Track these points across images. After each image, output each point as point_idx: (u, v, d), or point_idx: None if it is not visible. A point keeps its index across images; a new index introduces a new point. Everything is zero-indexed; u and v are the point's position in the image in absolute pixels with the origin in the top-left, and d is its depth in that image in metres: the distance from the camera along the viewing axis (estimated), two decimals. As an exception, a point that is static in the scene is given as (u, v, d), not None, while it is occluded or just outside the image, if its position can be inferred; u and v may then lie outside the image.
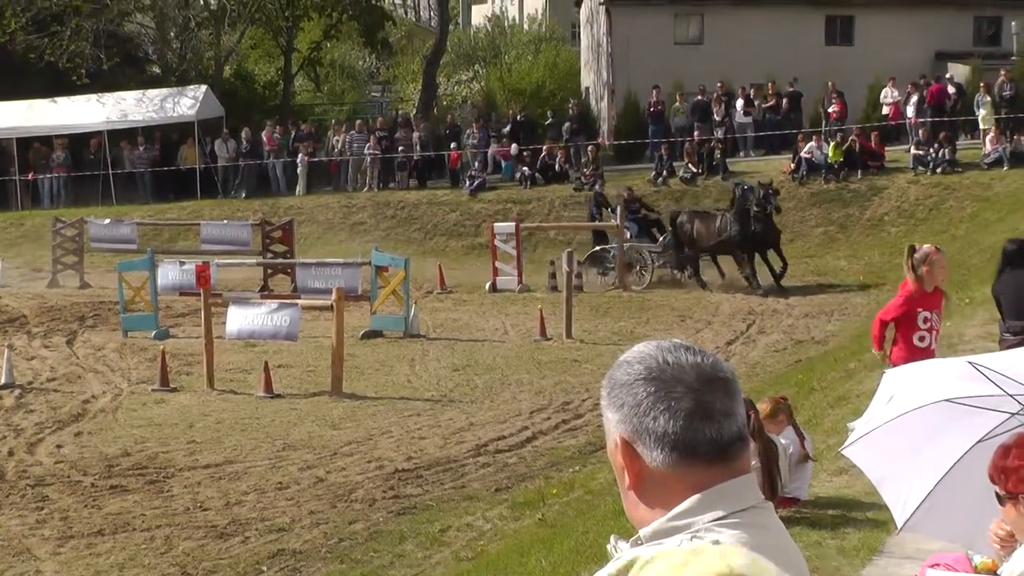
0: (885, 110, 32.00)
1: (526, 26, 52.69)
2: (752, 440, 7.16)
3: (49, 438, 14.15)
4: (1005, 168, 27.97)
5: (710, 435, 1.88)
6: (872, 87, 32.62)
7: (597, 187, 27.57)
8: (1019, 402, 4.55)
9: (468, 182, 31.45)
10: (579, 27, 45.37)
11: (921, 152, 28.97)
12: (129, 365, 18.45)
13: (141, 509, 11.42)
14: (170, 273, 21.39)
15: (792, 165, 29.33)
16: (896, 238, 26.31)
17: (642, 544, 1.89)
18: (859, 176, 28.96)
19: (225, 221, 28.46)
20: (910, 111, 30.87)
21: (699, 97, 32.36)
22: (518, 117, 34.10)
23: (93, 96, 34.92)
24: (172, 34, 40.17)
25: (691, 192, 29.31)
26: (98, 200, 33.11)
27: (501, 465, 12.66)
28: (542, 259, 25.98)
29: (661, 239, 24.92)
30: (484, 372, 17.34)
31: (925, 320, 8.71)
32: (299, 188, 33.07)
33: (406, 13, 62.40)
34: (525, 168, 31.47)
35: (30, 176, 34.53)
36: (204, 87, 35.57)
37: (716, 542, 1.49)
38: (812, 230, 27.74)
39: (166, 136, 35.16)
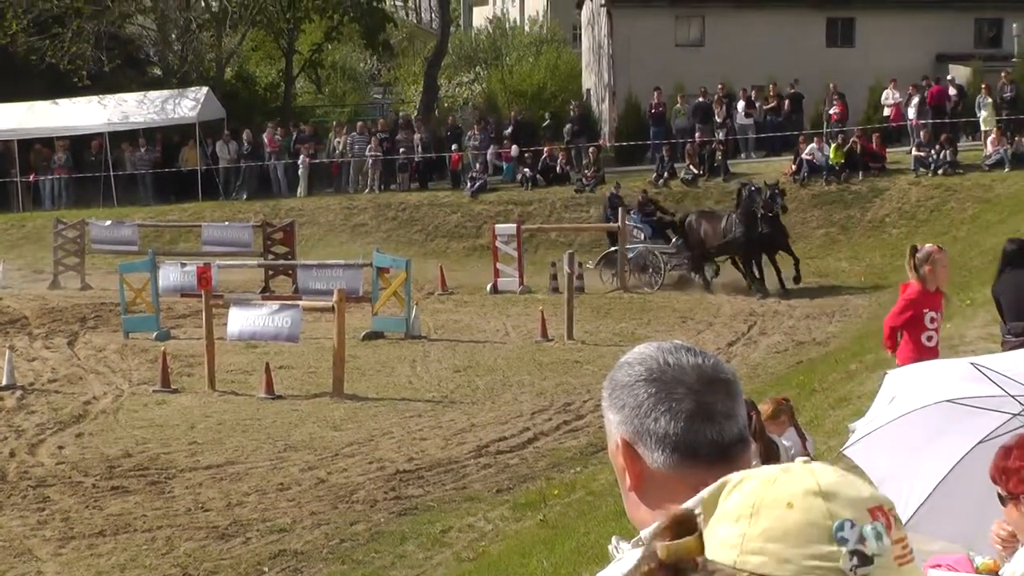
0: (886, 112, 32.01)
1: (527, 28, 52.69)
2: (754, 441, 7.17)
3: (50, 439, 14.16)
4: (1006, 170, 27.97)
5: (711, 436, 1.88)
6: (873, 89, 32.62)
7: (613, 189, 27.45)
8: (1020, 403, 4.55)
9: (469, 184, 31.47)
10: (580, 29, 45.38)
11: (922, 154, 28.98)
12: (130, 366, 18.46)
13: (142, 510, 11.42)
14: (171, 274, 21.40)
15: (793, 167, 29.34)
16: (897, 239, 26.31)
17: (643, 545, 1.90)
18: (860, 178, 28.96)
19: (226, 223, 28.49)
20: (911, 112, 30.87)
21: (700, 99, 32.37)
22: (517, 119, 34.10)
23: (94, 98, 34.94)
24: (173, 36, 40.19)
25: (692, 193, 29.32)
26: (99, 202, 33.13)
27: (502, 466, 12.66)
28: (543, 260, 25.99)
29: (674, 240, 24.86)
30: (485, 373, 17.34)
31: (932, 320, 8.72)
32: (300, 190, 33.08)
33: (407, 15, 62.42)
34: (526, 170, 31.48)
35: (31, 177, 34.54)
36: (205, 89, 35.59)
37: (807, 460, 1.53)
38: (813, 231, 27.74)
39: (167, 138, 35.18)
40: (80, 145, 34.83)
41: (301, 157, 33.14)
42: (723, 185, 29.38)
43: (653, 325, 20.62)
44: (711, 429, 1.88)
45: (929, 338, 8.68)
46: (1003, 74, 30.89)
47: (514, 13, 57.11)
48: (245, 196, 33.09)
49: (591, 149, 31.89)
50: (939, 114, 30.76)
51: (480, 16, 59.68)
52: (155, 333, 20.46)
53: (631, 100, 34.38)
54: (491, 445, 13.41)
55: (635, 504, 1.94)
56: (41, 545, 10.57)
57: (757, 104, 32.65)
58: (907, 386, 4.93)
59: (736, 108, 32.49)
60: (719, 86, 32.33)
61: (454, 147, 32.96)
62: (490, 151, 32.86)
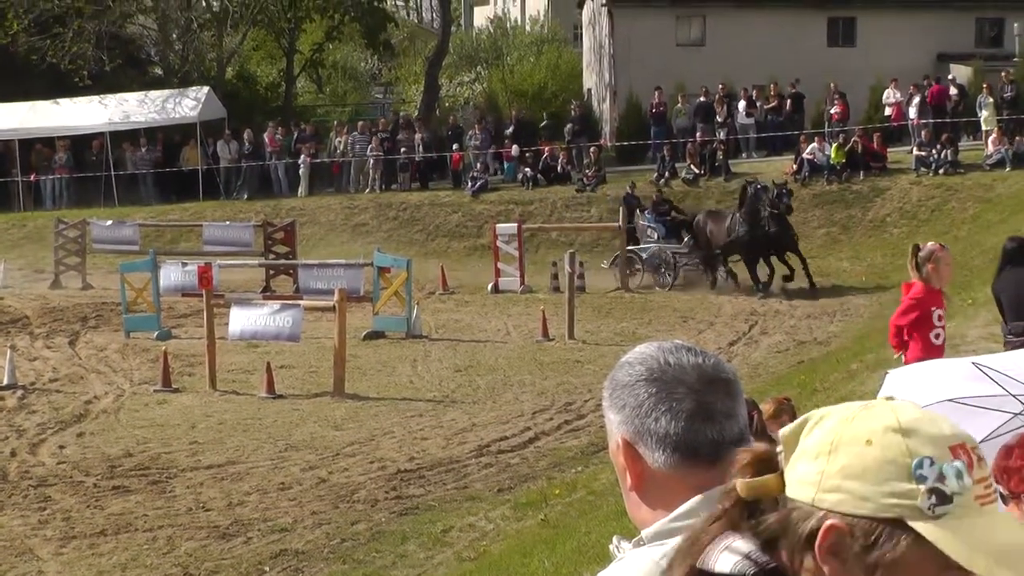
0: (887, 111, 32.00)
1: (528, 27, 52.69)
2: (755, 440, 7.16)
3: (51, 439, 14.16)
4: (1007, 169, 27.96)
5: (711, 436, 1.88)
6: (874, 88, 32.62)
7: (629, 189, 27.39)
8: (1021, 402, 4.55)
9: (470, 183, 31.47)
10: (581, 28, 45.38)
11: (923, 153, 28.98)
12: (131, 366, 18.46)
13: (143, 509, 11.42)
14: (172, 274, 21.41)
15: (794, 166, 29.34)
16: (898, 239, 26.31)
17: (644, 545, 1.90)
18: (861, 177, 28.96)
19: (227, 222, 28.51)
20: (912, 112, 30.87)
21: (702, 98, 32.36)
22: (517, 118, 34.10)
23: (95, 97, 34.95)
24: (174, 36, 40.20)
25: (693, 193, 29.31)
26: (100, 201, 33.14)
27: (503, 466, 12.66)
28: (544, 260, 26.00)
29: (686, 240, 24.80)
30: (486, 373, 17.34)
31: (939, 318, 8.72)
32: (301, 189, 33.09)
33: (408, 15, 62.42)
34: (527, 169, 31.48)
35: (32, 177, 34.56)
36: (206, 88, 35.60)
37: (889, 397, 1.52)
38: (814, 231, 27.72)
39: (168, 137, 35.21)
40: (81, 145, 34.85)
41: (302, 157, 33.14)
42: (724, 185, 29.38)
43: (654, 325, 20.61)
44: (712, 429, 1.88)
45: (937, 336, 8.69)
46: (1004, 74, 30.88)
47: (515, 13, 57.12)
48: (246, 196, 33.10)
49: (592, 149, 31.89)
50: (940, 114, 30.76)
51: (481, 16, 59.69)
52: (156, 333, 20.47)
53: (632, 100, 34.38)
54: (492, 445, 13.41)
55: (636, 504, 1.94)
56: (42, 544, 10.57)
57: (758, 104, 32.65)
58: (908, 386, 4.93)
59: (737, 108, 32.48)
60: (720, 86, 32.32)
61: (455, 147, 32.96)
62: (489, 151, 32.87)
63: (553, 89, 41.54)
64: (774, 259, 23.48)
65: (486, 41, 50.14)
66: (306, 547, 10.34)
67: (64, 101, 34.82)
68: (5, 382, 16.75)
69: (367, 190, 32.71)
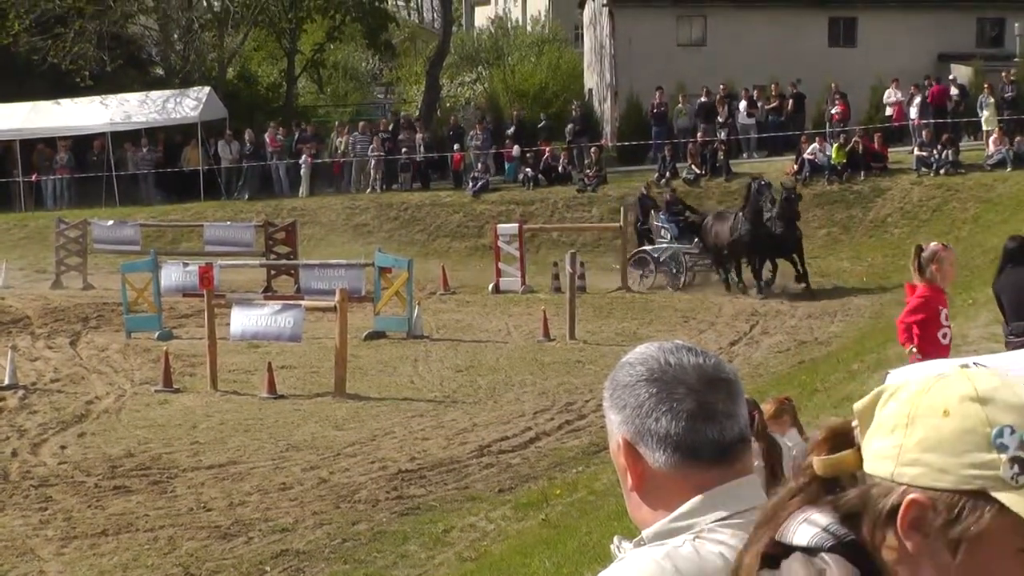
0: (888, 111, 32.00)
1: (529, 28, 52.70)
2: (756, 441, 7.16)
3: (53, 439, 14.17)
4: (1008, 169, 27.94)
5: (712, 436, 1.88)
6: (875, 88, 32.62)
7: (643, 189, 27.33)
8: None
9: (471, 183, 31.47)
10: (582, 29, 45.40)
11: (924, 153, 28.97)
12: (132, 366, 18.47)
13: (144, 510, 11.43)
14: (173, 274, 21.42)
15: (795, 166, 29.32)
16: (899, 239, 26.30)
17: (645, 545, 1.90)
18: (862, 177, 28.95)
19: (228, 222, 28.52)
20: (913, 112, 30.86)
21: (703, 99, 32.36)
22: (519, 118, 34.10)
23: (96, 98, 34.97)
24: (175, 36, 40.20)
25: (694, 193, 29.29)
26: (101, 202, 33.15)
27: (504, 466, 12.66)
28: (545, 260, 26.00)
29: (696, 240, 24.72)
30: (487, 373, 17.34)
31: (945, 317, 8.73)
32: (302, 190, 33.09)
33: (409, 15, 62.41)
34: (528, 169, 31.49)
35: (34, 177, 34.57)
36: (207, 89, 35.61)
37: (964, 366, 1.49)
38: (815, 231, 27.68)
39: (169, 138, 35.22)
40: (82, 145, 34.85)
41: (303, 157, 33.15)
42: (725, 185, 29.37)
43: (655, 325, 20.61)
44: (712, 429, 1.89)
45: (944, 335, 8.69)
46: (1004, 74, 30.87)
47: (516, 13, 57.13)
48: (247, 196, 33.11)
49: (593, 149, 31.89)
50: (941, 114, 30.75)
51: (482, 16, 59.72)
52: (157, 333, 20.47)
53: (633, 100, 34.38)
54: (493, 445, 13.41)
55: (637, 504, 1.94)
56: (43, 545, 10.58)
57: (759, 104, 32.64)
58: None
59: (738, 108, 32.48)
60: (721, 86, 32.32)
61: (456, 147, 32.97)
62: (490, 151, 32.88)
63: (554, 89, 41.54)
64: (778, 260, 23.39)
65: (487, 41, 50.15)
66: (307, 547, 10.34)
67: (65, 101, 34.84)
68: (6, 382, 16.75)
69: (368, 190, 32.72)
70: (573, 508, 10.70)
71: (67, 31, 35.02)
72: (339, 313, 16.59)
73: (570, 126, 33.37)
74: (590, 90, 41.09)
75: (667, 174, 30.02)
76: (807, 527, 1.45)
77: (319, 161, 33.74)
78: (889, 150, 29.82)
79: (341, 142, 33.94)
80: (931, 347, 8.55)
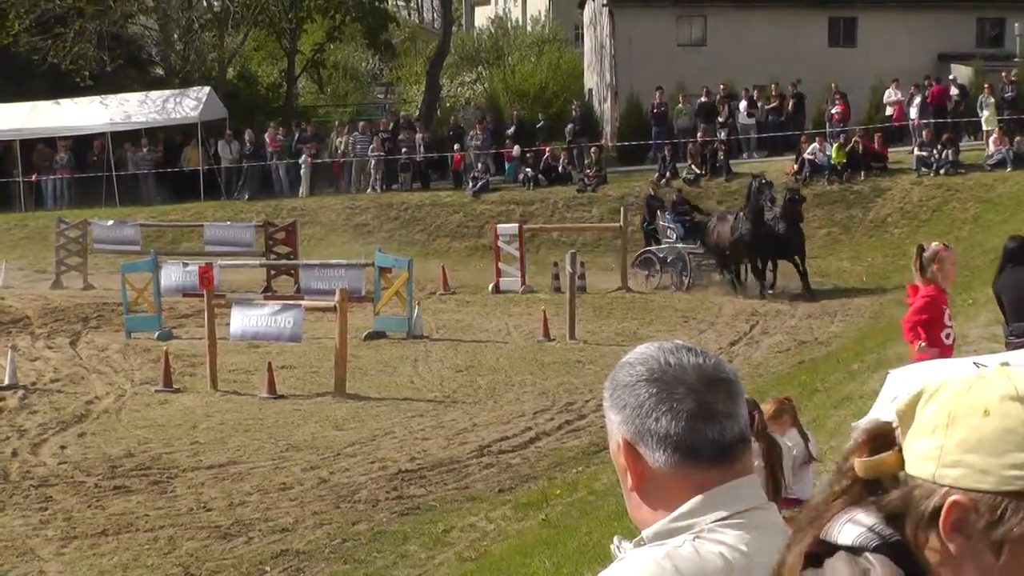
0: (888, 111, 32.00)
1: (529, 28, 52.69)
2: (756, 441, 7.16)
3: (53, 439, 14.17)
4: (1008, 169, 27.94)
5: (712, 436, 1.88)
6: (875, 88, 32.62)
7: (651, 190, 27.25)
8: (1022, 403, 4.54)
9: (471, 184, 31.47)
10: (582, 29, 45.40)
11: (924, 153, 28.97)
12: (132, 366, 18.47)
13: (144, 510, 11.43)
14: (173, 274, 21.42)
15: (795, 166, 29.32)
16: (899, 239, 26.31)
17: (645, 545, 1.90)
18: (862, 177, 28.95)
19: (228, 222, 28.52)
20: (913, 112, 30.86)
21: (704, 99, 32.35)
22: (519, 118, 34.09)
23: (96, 98, 34.98)
24: (175, 36, 40.20)
25: (694, 193, 29.29)
26: (101, 202, 33.15)
27: (504, 466, 12.65)
28: (545, 260, 26.00)
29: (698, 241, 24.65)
30: (487, 373, 17.34)
31: (949, 317, 8.73)
32: (302, 190, 33.10)
33: (409, 15, 62.40)
34: (528, 169, 31.49)
35: (34, 177, 34.57)
36: (207, 89, 35.61)
37: (1005, 363, 1.48)
38: (815, 231, 27.68)
39: (169, 138, 35.23)
40: (82, 145, 34.85)
41: (303, 157, 33.15)
42: (725, 185, 29.37)
43: (655, 325, 20.61)
44: (712, 429, 1.88)
45: (948, 336, 8.70)
46: (1004, 74, 30.86)
47: (516, 13, 57.11)
48: (247, 196, 33.11)
49: (593, 149, 31.89)
50: (941, 114, 30.75)
51: (482, 16, 59.71)
52: (157, 333, 20.47)
53: (633, 100, 34.38)
54: (493, 445, 13.41)
55: (637, 504, 1.94)
56: (43, 545, 10.58)
57: (759, 104, 32.64)
58: (910, 385, 4.92)
59: (738, 108, 32.48)
60: (721, 86, 32.32)
61: (456, 147, 32.97)
62: (490, 151, 32.88)
63: (554, 89, 41.54)
64: (780, 260, 23.30)
65: (487, 41, 50.15)
66: (307, 547, 10.34)
67: (65, 101, 34.84)
68: (6, 382, 16.75)
69: (368, 190, 32.72)
70: (573, 508, 10.69)
71: (67, 31, 35.02)
72: (339, 313, 16.58)
73: (570, 126, 33.37)
74: (590, 90, 41.09)
75: (667, 174, 30.02)
76: (852, 527, 1.44)
77: (319, 161, 33.74)
78: (889, 150, 29.82)
79: (341, 142, 33.94)
80: (935, 347, 8.55)
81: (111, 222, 28.19)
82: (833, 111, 31.74)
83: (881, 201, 28.38)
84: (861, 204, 28.42)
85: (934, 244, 8.92)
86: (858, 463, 1.47)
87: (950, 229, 25.79)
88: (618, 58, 35.84)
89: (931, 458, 1.39)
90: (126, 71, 37.61)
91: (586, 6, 42.46)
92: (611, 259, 26.40)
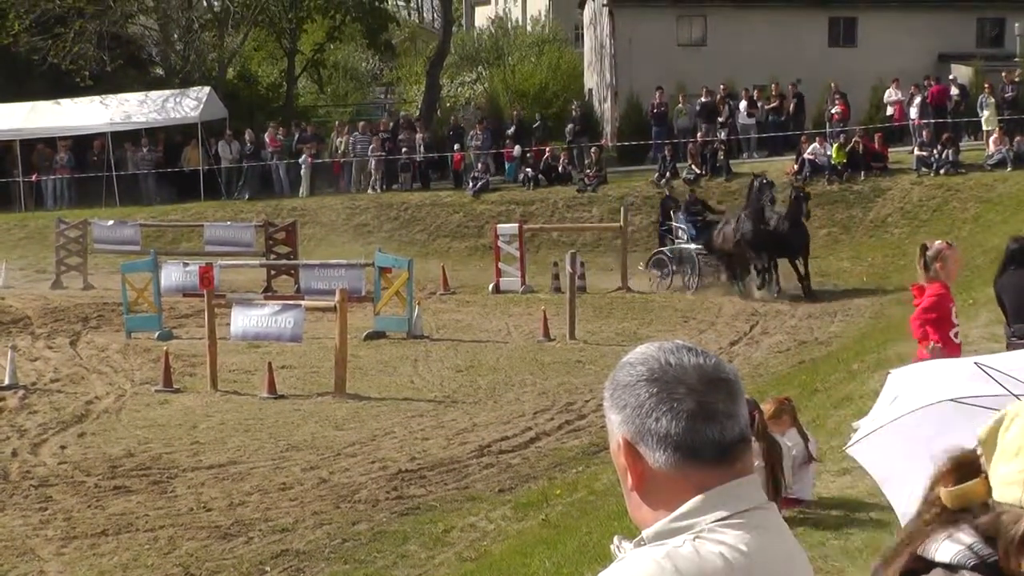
0: (888, 111, 32.01)
1: (529, 28, 52.68)
2: (756, 441, 7.16)
3: (53, 439, 14.17)
4: (1008, 169, 27.95)
5: (712, 436, 1.88)
6: (875, 88, 32.62)
7: (666, 191, 27.15)
8: (1023, 402, 4.53)
9: (471, 183, 31.48)
10: (582, 29, 45.40)
11: (925, 153, 28.97)
12: (132, 366, 18.47)
13: (144, 510, 11.42)
14: (173, 274, 21.42)
15: (795, 166, 29.32)
16: (899, 239, 26.32)
17: (645, 545, 1.89)
18: (862, 177, 28.95)
19: (228, 223, 28.52)
20: (913, 112, 30.87)
21: (705, 99, 32.35)
22: (519, 118, 34.08)
23: (96, 98, 34.98)
24: (175, 36, 40.20)
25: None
26: (101, 201, 33.15)
27: (504, 466, 12.65)
28: (545, 260, 26.00)
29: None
30: (487, 373, 17.34)
31: (956, 315, 8.73)
32: (303, 190, 33.10)
33: (409, 15, 62.40)
34: (528, 169, 31.49)
35: (34, 177, 34.57)
36: (207, 89, 35.61)
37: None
38: (815, 231, 27.62)
39: (169, 138, 35.23)
40: (82, 145, 34.86)
41: (303, 157, 33.15)
42: (725, 185, 29.36)
43: (655, 325, 20.61)
44: (712, 429, 1.88)
45: (955, 334, 8.70)
46: (1005, 74, 30.87)
47: (516, 13, 57.10)
48: (247, 196, 33.11)
49: (593, 149, 31.90)
50: (941, 114, 30.76)
51: (482, 16, 59.69)
52: (157, 333, 20.47)
53: (633, 100, 34.39)
54: (493, 445, 13.41)
55: (637, 504, 1.94)
56: (43, 545, 10.57)
57: (759, 104, 32.64)
58: (910, 385, 4.93)
59: (738, 108, 32.48)
60: (721, 86, 32.32)
61: (456, 147, 32.97)
62: (490, 151, 32.88)
63: (554, 89, 41.54)
64: (783, 261, 23.19)
65: (487, 41, 50.14)
66: (307, 547, 10.34)
67: (65, 101, 34.84)
68: (6, 382, 16.76)
69: (368, 190, 32.72)
70: (573, 508, 10.69)
71: (67, 31, 35.02)
72: (339, 313, 16.59)
73: (570, 126, 33.37)
74: (590, 90, 41.09)
75: (667, 174, 30.02)
76: (951, 544, 1.42)
77: (319, 161, 33.74)
78: (889, 150, 29.82)
79: (341, 142, 33.94)
80: (945, 346, 8.54)
81: (111, 222, 28.19)
82: (833, 111, 31.75)
83: (881, 201, 28.38)
84: (861, 204, 28.42)
85: (937, 242, 8.92)
86: (944, 493, 1.46)
87: (950, 229, 25.79)
88: (618, 58, 35.84)
89: (1016, 483, 1.38)
90: (126, 71, 37.61)
91: (586, 6, 42.47)
92: (611, 259, 26.40)
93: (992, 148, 28.69)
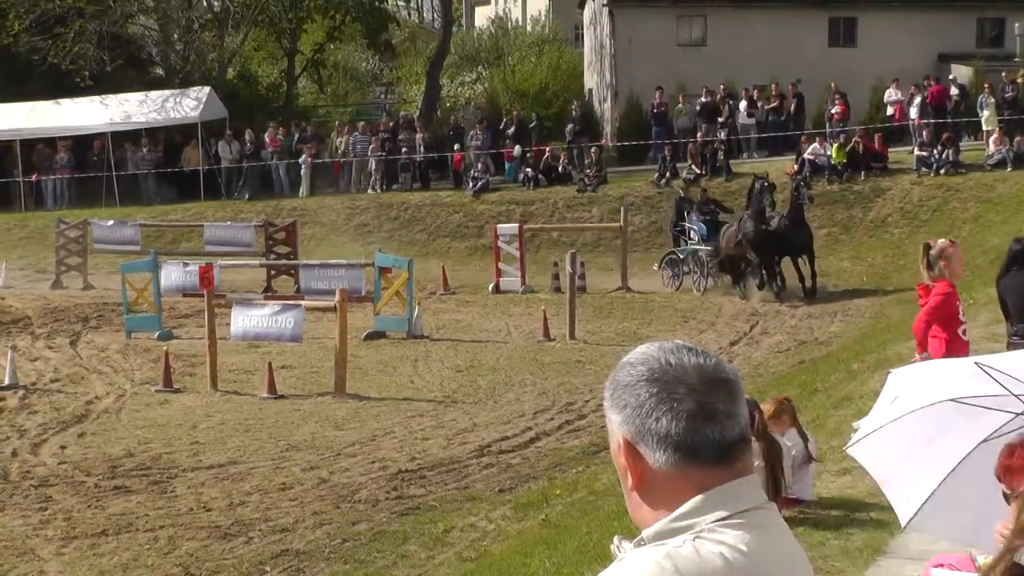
0: (888, 111, 32.01)
1: (529, 28, 52.69)
2: (756, 441, 7.16)
3: (53, 439, 14.17)
4: (1008, 169, 27.95)
5: (712, 436, 1.88)
6: (875, 88, 32.62)
7: (681, 192, 27.08)
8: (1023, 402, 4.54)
9: (471, 183, 31.47)
10: (582, 29, 45.40)
11: (925, 153, 28.97)
12: (132, 366, 18.47)
13: (144, 510, 11.42)
14: (173, 274, 21.42)
15: (795, 166, 29.31)
16: (899, 239, 26.32)
17: (645, 545, 1.89)
18: (862, 177, 28.95)
19: (228, 222, 28.52)
20: (913, 112, 30.87)
21: (705, 99, 32.34)
22: (519, 119, 34.06)
23: (96, 98, 34.98)
24: (175, 36, 40.20)
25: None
26: (101, 201, 33.16)
27: (504, 466, 12.65)
28: (545, 260, 26.00)
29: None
30: (487, 373, 17.34)
31: (963, 313, 8.73)
32: (302, 190, 33.10)
33: (409, 15, 62.40)
34: (528, 169, 31.49)
35: (34, 178, 34.57)
36: (207, 89, 35.61)
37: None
38: (815, 231, 27.66)
39: (169, 138, 35.23)
40: (82, 145, 34.86)
41: (303, 157, 33.15)
42: (725, 185, 29.36)
43: (655, 325, 20.61)
44: (712, 429, 1.88)
45: (963, 331, 8.70)
46: (1005, 74, 30.87)
47: (516, 13, 57.10)
48: (247, 196, 33.11)
49: (593, 149, 31.90)
50: (941, 114, 30.76)
51: (482, 16, 59.68)
52: (157, 333, 20.47)
53: (633, 100, 34.39)
54: (493, 445, 13.41)
55: (637, 504, 1.94)
56: (43, 544, 10.57)
57: (759, 104, 32.64)
58: (911, 385, 4.92)
59: (738, 108, 32.48)
60: (721, 86, 32.32)
61: (456, 147, 32.97)
62: (489, 151, 32.88)
63: (554, 89, 41.54)
64: (786, 263, 23.11)
65: (487, 41, 50.14)
66: (307, 547, 10.33)
67: (65, 101, 34.84)
68: (6, 382, 16.76)
69: (368, 190, 32.72)
70: (573, 508, 10.69)
71: (67, 31, 35.01)
72: (339, 313, 16.58)
73: (570, 126, 33.37)
74: (590, 90, 41.09)
75: (667, 174, 30.03)
76: None
77: (319, 161, 33.74)
78: (889, 150, 29.82)
79: (341, 142, 33.94)
80: (953, 344, 8.54)
81: (111, 222, 28.19)
82: (833, 111, 31.75)
83: (881, 201, 28.37)
84: (861, 204, 28.42)
85: (941, 241, 8.93)
86: None
87: (950, 229, 25.77)
88: (618, 58, 35.83)
89: None
90: (126, 71, 37.61)
91: (586, 6, 42.46)
92: (611, 259, 26.40)
93: (992, 148, 28.69)
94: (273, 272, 25.20)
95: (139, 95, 35.62)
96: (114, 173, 33.91)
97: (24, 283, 27.03)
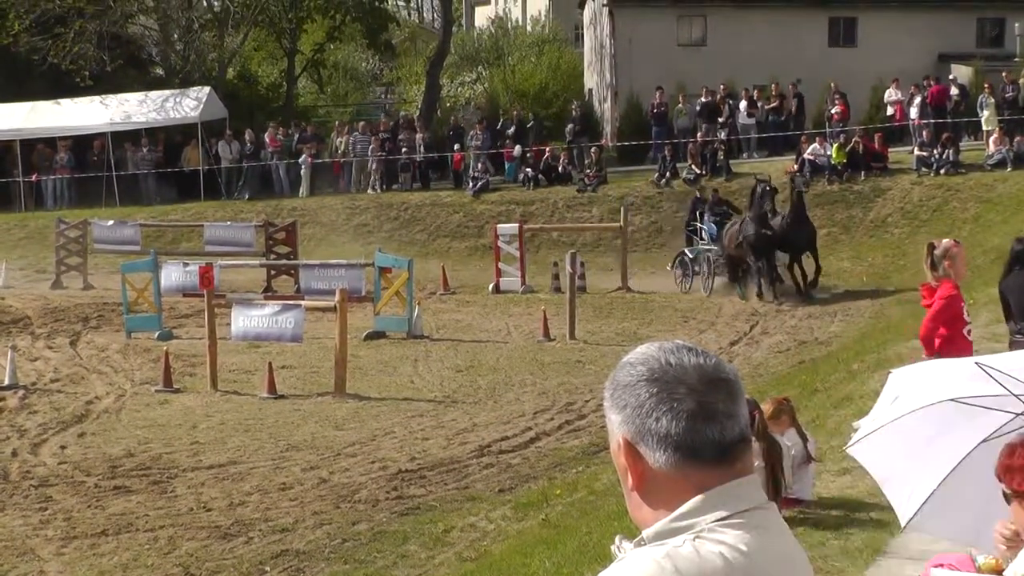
0: (888, 111, 32.01)
1: (529, 28, 52.69)
2: (756, 441, 7.16)
3: (53, 439, 14.17)
4: (1008, 169, 27.95)
5: (712, 436, 1.88)
6: (875, 88, 32.62)
7: (697, 193, 27.02)
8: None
9: (471, 183, 31.47)
10: (582, 29, 45.40)
11: (925, 153, 28.97)
12: (132, 366, 18.47)
13: (144, 510, 11.42)
14: (173, 274, 21.42)
15: (795, 166, 29.31)
16: (899, 239, 26.32)
17: (645, 545, 1.89)
18: (862, 177, 28.94)
19: (228, 222, 28.53)
20: (913, 112, 30.87)
21: (705, 99, 32.33)
22: (518, 119, 34.05)
23: (96, 98, 34.98)
24: (175, 36, 40.21)
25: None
26: (101, 202, 33.15)
27: (504, 466, 12.65)
28: (545, 260, 26.00)
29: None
30: (487, 373, 17.34)
31: (967, 312, 8.73)
32: (302, 190, 33.09)
33: (409, 15, 62.40)
34: (528, 169, 31.49)
35: (34, 178, 34.57)
36: (207, 89, 35.61)
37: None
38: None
39: (169, 138, 35.23)
40: (82, 145, 34.85)
41: (303, 157, 33.15)
42: (725, 185, 29.35)
43: (655, 325, 20.61)
44: (712, 429, 1.88)
45: (968, 331, 8.70)
46: (1005, 74, 30.86)
47: (516, 13, 57.10)
48: (247, 196, 33.11)
49: (593, 149, 31.90)
50: (941, 114, 30.76)
51: (482, 16, 59.68)
52: (157, 333, 20.47)
53: (633, 100, 34.39)
54: (493, 445, 13.40)
55: (637, 504, 1.94)
56: (43, 545, 10.57)
57: (759, 104, 32.64)
58: (911, 385, 4.92)
59: (738, 108, 32.48)
60: (721, 86, 32.32)
61: (456, 147, 32.97)
62: (489, 151, 32.87)
63: (554, 89, 41.54)
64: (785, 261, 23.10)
65: (487, 41, 50.14)
66: (307, 547, 10.33)
67: (65, 101, 34.84)
68: (6, 382, 16.76)
69: (368, 190, 32.72)
70: (573, 508, 10.69)
71: (67, 31, 35.01)
72: (339, 313, 16.58)
73: (570, 126, 33.36)
74: (590, 90, 41.09)
75: (667, 174, 30.02)
76: None
77: (319, 161, 33.74)
78: (889, 150, 29.82)
79: (341, 142, 33.93)
80: (958, 344, 8.53)
81: (111, 222, 28.19)
82: (833, 111, 31.74)
83: (881, 201, 28.37)
84: (861, 204, 28.41)
85: (945, 241, 8.92)
86: None
87: (950, 229, 25.77)
88: (618, 58, 35.83)
89: None
90: (126, 71, 37.61)
91: (586, 6, 42.46)
92: (611, 259, 26.39)
93: (992, 148, 28.68)
94: (273, 272, 25.20)
95: (139, 95, 35.62)
96: (114, 173, 33.91)
97: (24, 283, 27.03)
